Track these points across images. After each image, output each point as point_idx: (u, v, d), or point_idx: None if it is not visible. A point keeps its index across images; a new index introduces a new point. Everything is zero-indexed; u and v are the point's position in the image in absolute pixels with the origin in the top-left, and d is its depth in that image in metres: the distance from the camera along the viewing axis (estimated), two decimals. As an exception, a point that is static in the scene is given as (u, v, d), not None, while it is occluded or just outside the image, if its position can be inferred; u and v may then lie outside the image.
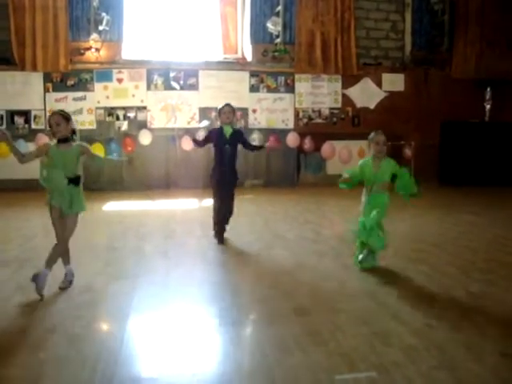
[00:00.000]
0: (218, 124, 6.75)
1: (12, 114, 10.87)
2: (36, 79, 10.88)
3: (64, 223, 4.64)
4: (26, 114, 10.92)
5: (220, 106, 6.58)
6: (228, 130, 6.44)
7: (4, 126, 10.76)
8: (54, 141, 4.63)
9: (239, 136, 6.61)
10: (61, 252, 4.70)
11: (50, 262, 4.55)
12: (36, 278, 4.41)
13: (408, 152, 11.67)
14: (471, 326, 3.87)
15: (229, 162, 6.44)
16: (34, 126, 10.88)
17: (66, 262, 4.82)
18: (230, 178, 6.46)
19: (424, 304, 4.34)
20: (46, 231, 7.00)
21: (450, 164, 11.92)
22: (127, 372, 3.20)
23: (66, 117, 4.62)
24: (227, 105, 6.53)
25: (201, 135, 10.78)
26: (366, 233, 5.08)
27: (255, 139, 10.81)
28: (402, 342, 3.59)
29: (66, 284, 4.72)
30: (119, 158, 4.97)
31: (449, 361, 3.31)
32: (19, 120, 10.90)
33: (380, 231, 5.09)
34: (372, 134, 5.27)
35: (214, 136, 6.53)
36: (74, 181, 4.59)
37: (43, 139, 10.43)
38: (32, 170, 11.10)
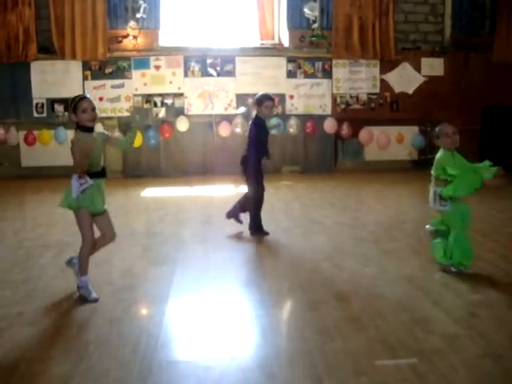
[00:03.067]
0: (253, 113, 6.31)
1: (52, 101, 11.03)
2: (75, 67, 11.02)
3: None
4: (65, 102, 11.07)
5: (259, 97, 6.13)
6: (268, 123, 6.38)
7: (45, 114, 10.98)
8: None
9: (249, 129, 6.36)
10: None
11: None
12: None
13: (448, 137, 11.43)
14: (516, 315, 3.79)
15: (266, 154, 6.29)
16: (73, 114, 11.02)
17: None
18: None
19: (466, 291, 4.26)
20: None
21: (491, 149, 11.60)
22: (167, 355, 3.24)
23: None
24: (270, 98, 6.15)
25: (238, 123, 10.86)
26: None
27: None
28: (444, 329, 3.54)
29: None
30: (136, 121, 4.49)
31: (494, 349, 3.24)
32: (59, 108, 11.06)
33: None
34: (438, 128, 4.78)
35: (260, 128, 6.17)
36: (103, 173, 4.27)
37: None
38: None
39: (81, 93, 10.84)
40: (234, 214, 6.44)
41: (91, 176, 4.09)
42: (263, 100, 6.06)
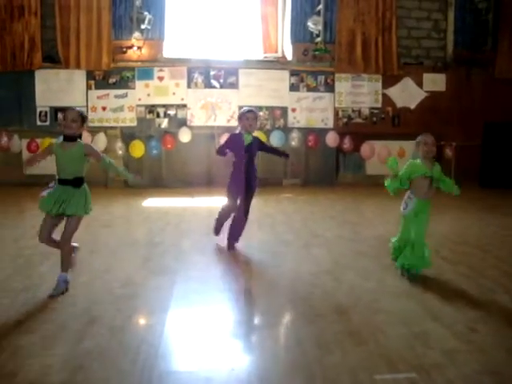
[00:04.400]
0: (238, 129, 6.15)
1: (55, 110, 11.09)
2: (79, 77, 11.10)
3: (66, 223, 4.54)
4: (69, 111, 11.12)
5: (242, 111, 6.09)
6: (247, 138, 6.00)
7: (48, 123, 11.04)
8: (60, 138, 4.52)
9: (258, 144, 6.23)
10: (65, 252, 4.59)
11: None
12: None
13: (449, 152, 11.49)
14: (515, 331, 3.79)
15: (246, 171, 6.03)
16: (76, 123, 11.05)
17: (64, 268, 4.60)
18: (249, 187, 6.08)
19: (466, 307, 4.26)
20: (87, 225, 7.16)
21: (491, 165, 11.65)
22: (167, 365, 3.24)
23: (83, 118, 4.53)
24: (251, 111, 6.05)
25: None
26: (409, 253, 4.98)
27: None
28: (443, 344, 3.53)
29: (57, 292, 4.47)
30: (130, 177, 4.94)
31: (492, 366, 3.23)
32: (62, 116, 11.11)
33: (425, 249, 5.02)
34: (420, 136, 5.04)
35: (233, 142, 6.09)
36: (74, 182, 4.47)
37: (84, 135, 10.65)
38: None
39: (84, 103, 10.99)
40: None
41: (59, 182, 4.49)
42: (245, 113, 6.00)
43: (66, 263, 4.58)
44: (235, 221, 6.13)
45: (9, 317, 3.95)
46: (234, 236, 6.15)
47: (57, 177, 4.56)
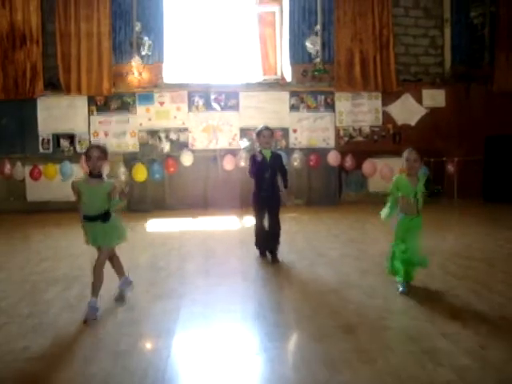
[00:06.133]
0: (256, 146, 6.63)
1: (58, 137, 11.17)
2: (80, 103, 11.18)
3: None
4: (71, 137, 11.20)
5: (258, 129, 6.47)
6: (268, 154, 6.39)
7: (50, 150, 11.09)
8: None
9: (279, 160, 6.55)
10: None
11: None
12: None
13: (451, 168, 11.48)
14: (526, 346, 3.74)
15: (270, 187, 6.41)
16: (78, 149, 11.12)
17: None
18: (271, 202, 6.44)
19: (474, 322, 4.21)
20: (94, 250, 7.14)
21: (494, 180, 11.63)
22: (174, 389, 3.21)
23: (105, 153, 4.53)
24: (266, 128, 6.42)
25: (242, 157, 10.90)
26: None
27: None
28: (454, 361, 3.49)
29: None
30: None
31: (506, 382, 3.19)
32: (65, 143, 11.19)
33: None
34: (405, 152, 5.06)
35: (254, 161, 6.44)
36: (103, 217, 4.52)
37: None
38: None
39: (86, 129, 11.06)
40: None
41: (84, 218, 4.54)
42: (261, 131, 6.42)
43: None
44: (268, 235, 6.53)
45: (16, 343, 3.93)
46: (270, 248, 6.53)
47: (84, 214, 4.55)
